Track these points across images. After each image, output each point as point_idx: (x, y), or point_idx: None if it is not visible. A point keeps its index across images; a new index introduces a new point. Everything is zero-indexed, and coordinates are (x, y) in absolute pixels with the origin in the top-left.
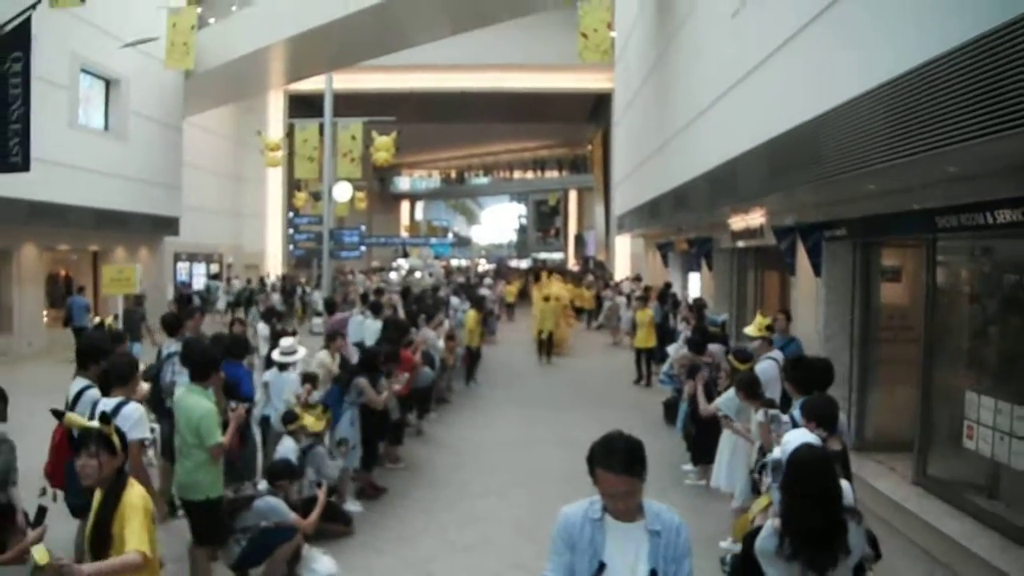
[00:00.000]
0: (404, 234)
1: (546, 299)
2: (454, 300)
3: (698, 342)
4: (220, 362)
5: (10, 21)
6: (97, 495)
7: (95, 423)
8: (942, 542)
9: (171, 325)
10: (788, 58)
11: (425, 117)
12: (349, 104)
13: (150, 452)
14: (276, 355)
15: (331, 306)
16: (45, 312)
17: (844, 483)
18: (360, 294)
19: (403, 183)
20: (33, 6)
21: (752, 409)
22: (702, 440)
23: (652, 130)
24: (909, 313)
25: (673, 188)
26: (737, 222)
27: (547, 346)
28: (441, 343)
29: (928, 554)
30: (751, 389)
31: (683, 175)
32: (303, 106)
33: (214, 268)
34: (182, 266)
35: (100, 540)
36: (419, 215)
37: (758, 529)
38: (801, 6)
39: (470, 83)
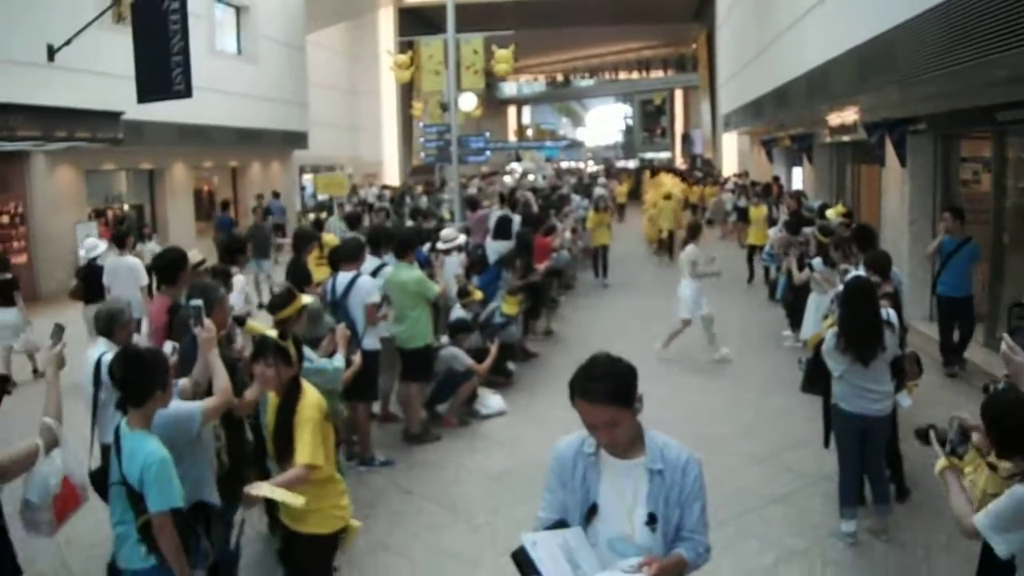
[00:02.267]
0: (512, 138)
1: (667, 197)
2: (575, 198)
3: (794, 224)
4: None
5: None
6: (272, 400)
7: (273, 333)
8: None
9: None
10: None
11: (531, 23)
12: (457, 14)
13: (383, 308)
14: (440, 244)
15: (473, 204)
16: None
17: (891, 311)
18: (499, 193)
19: (509, 88)
20: None
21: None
22: (798, 307)
23: (755, 33)
24: (984, 198)
25: (775, 88)
26: (834, 119)
27: (668, 245)
28: (568, 234)
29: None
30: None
31: (784, 76)
32: (412, 19)
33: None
34: (307, 178)
35: (283, 446)
36: (526, 119)
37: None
38: None
39: None
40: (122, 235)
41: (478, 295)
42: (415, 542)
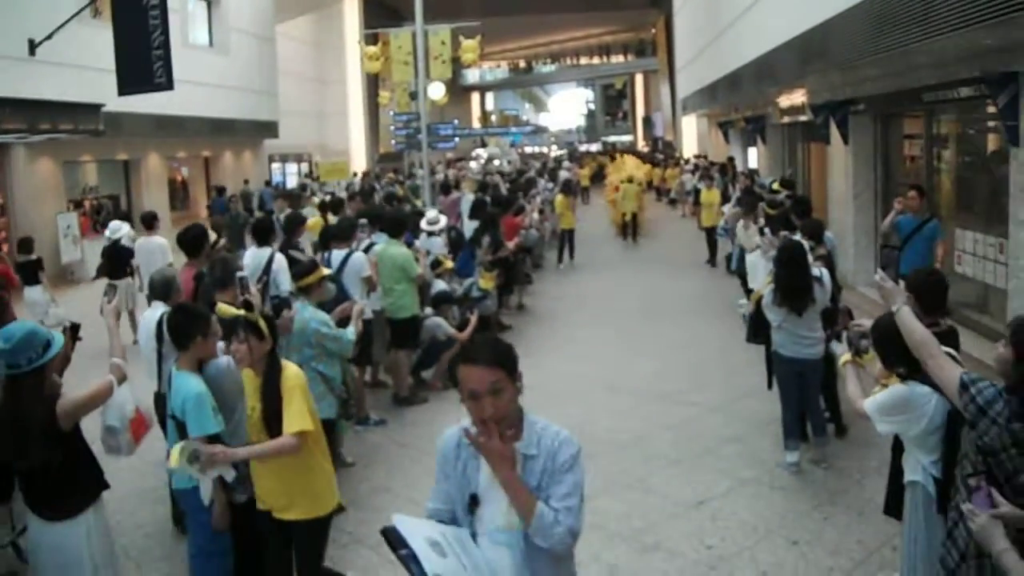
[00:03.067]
0: (476, 124)
1: (628, 180)
2: (540, 181)
3: (746, 201)
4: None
5: None
6: (252, 378)
7: (242, 311)
8: None
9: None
10: None
11: (494, 11)
12: (424, 3)
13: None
14: (424, 224)
15: (446, 188)
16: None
17: (824, 270)
18: (470, 179)
19: (473, 75)
20: None
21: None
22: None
23: (709, 21)
24: (918, 172)
25: (728, 73)
26: (784, 101)
27: (632, 228)
28: (536, 215)
29: None
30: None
31: (735, 62)
32: (377, 8)
33: (304, 168)
34: (275, 167)
35: (275, 423)
36: (489, 105)
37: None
38: None
39: None
40: (150, 218)
41: (448, 264)
42: (414, 485)
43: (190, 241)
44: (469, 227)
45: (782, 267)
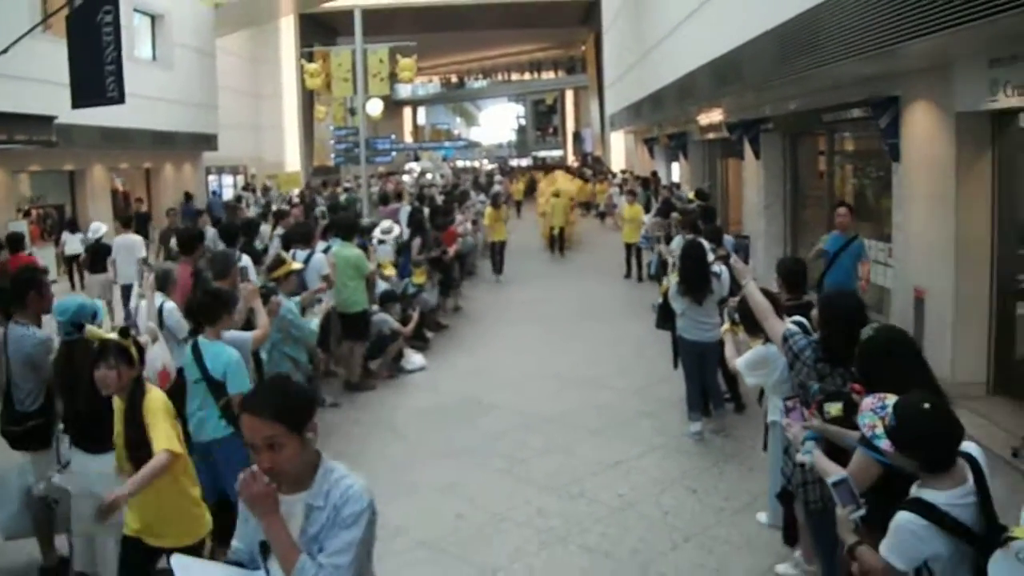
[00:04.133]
0: (409, 138)
1: (556, 195)
2: (473, 194)
3: (664, 211)
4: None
5: None
6: (119, 404)
7: (114, 335)
8: None
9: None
10: None
11: (428, 28)
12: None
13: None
14: (377, 233)
15: (385, 199)
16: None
17: (724, 267)
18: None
19: (405, 90)
20: None
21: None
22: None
23: (634, 42)
24: (822, 185)
25: (651, 92)
26: (703, 119)
27: (559, 241)
28: (469, 225)
29: None
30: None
31: (658, 82)
32: (313, 25)
33: (240, 180)
34: (212, 179)
35: (137, 444)
36: (421, 120)
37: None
38: None
39: None
40: (127, 218)
41: (390, 270)
42: (366, 453)
43: (187, 241)
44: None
45: (684, 263)
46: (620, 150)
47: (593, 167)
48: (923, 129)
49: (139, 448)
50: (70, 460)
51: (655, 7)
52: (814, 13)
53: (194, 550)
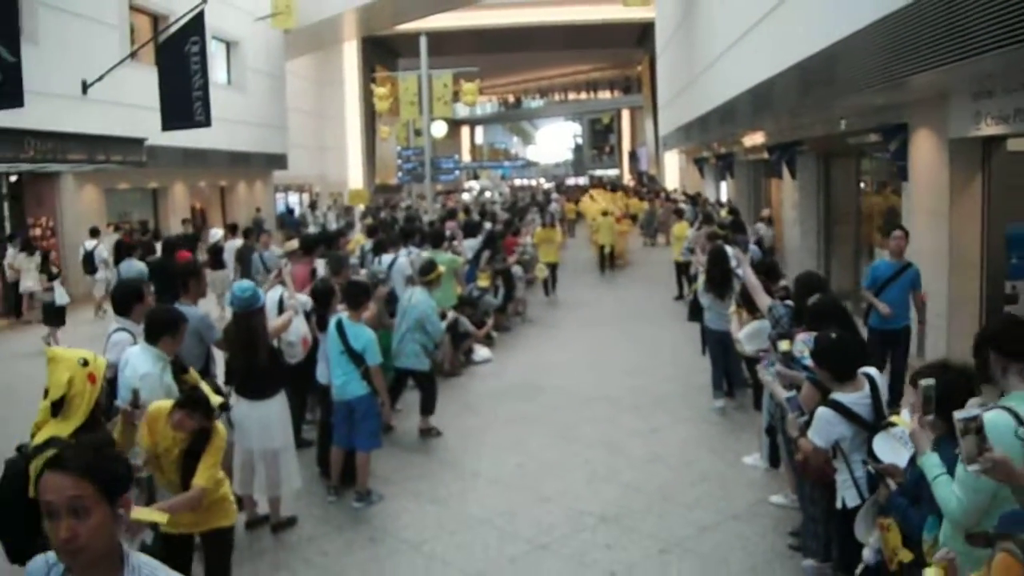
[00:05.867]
0: (467, 157)
1: (604, 214)
2: (533, 210)
3: (702, 223)
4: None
5: (186, 14)
6: (179, 436)
7: (203, 388)
8: None
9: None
10: (763, 28)
11: (488, 49)
12: (421, 42)
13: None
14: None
15: (453, 215)
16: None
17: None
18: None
19: (462, 109)
20: (205, 0)
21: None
22: None
23: (684, 67)
24: (852, 203)
25: (699, 115)
26: (747, 141)
27: (609, 260)
28: (529, 239)
29: None
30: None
31: (706, 105)
32: (375, 47)
33: (306, 198)
34: (279, 196)
35: (190, 473)
36: (479, 139)
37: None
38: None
39: (525, 18)
40: (233, 226)
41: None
42: (446, 425)
43: (310, 244)
44: (467, 243)
45: (710, 264)
46: (674, 169)
47: (647, 185)
48: (926, 152)
49: (189, 475)
50: (231, 405)
51: (703, 35)
52: (831, 50)
53: (232, 530)
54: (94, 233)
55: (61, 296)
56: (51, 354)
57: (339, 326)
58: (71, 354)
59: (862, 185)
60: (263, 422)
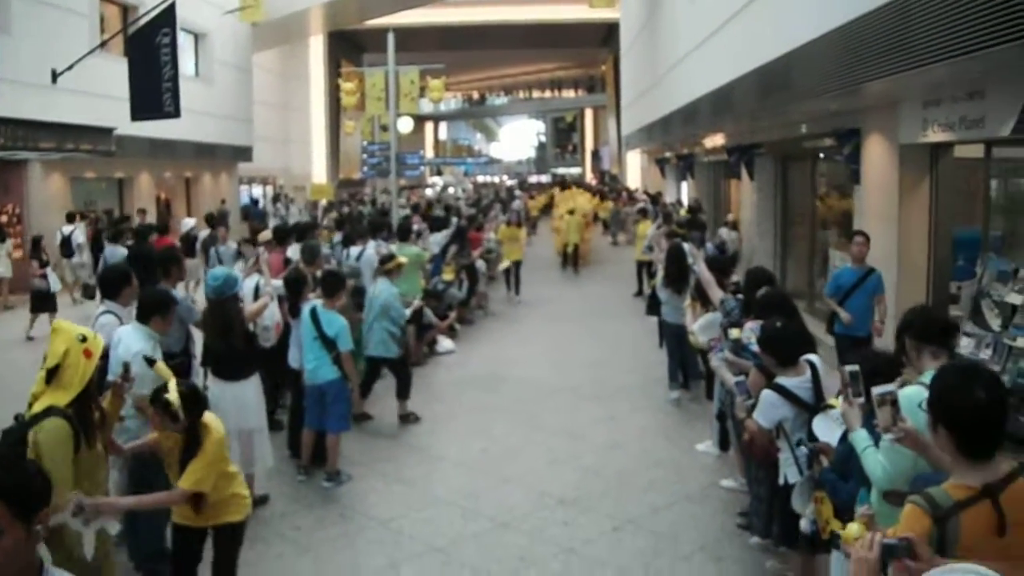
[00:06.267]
0: (430, 153)
1: (570, 212)
2: (496, 207)
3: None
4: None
5: (156, 5)
6: (175, 438)
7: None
8: None
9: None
10: (725, 33)
11: (453, 46)
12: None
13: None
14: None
15: (417, 209)
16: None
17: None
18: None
19: (427, 105)
20: None
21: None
22: None
23: (647, 68)
24: (808, 204)
25: (660, 117)
26: (708, 143)
27: (573, 258)
28: (492, 235)
29: None
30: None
31: (668, 107)
32: (340, 41)
33: (269, 190)
34: (243, 188)
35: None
36: (443, 135)
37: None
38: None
39: (491, 16)
40: (210, 216)
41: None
42: (416, 412)
43: (282, 234)
44: (434, 238)
45: (668, 260)
46: (636, 169)
47: (609, 185)
48: (877, 157)
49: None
50: (207, 386)
51: (666, 38)
52: (788, 57)
53: (243, 525)
54: (71, 218)
55: (55, 283)
56: (56, 325)
57: (313, 313)
58: (73, 328)
59: (819, 187)
60: (238, 402)
